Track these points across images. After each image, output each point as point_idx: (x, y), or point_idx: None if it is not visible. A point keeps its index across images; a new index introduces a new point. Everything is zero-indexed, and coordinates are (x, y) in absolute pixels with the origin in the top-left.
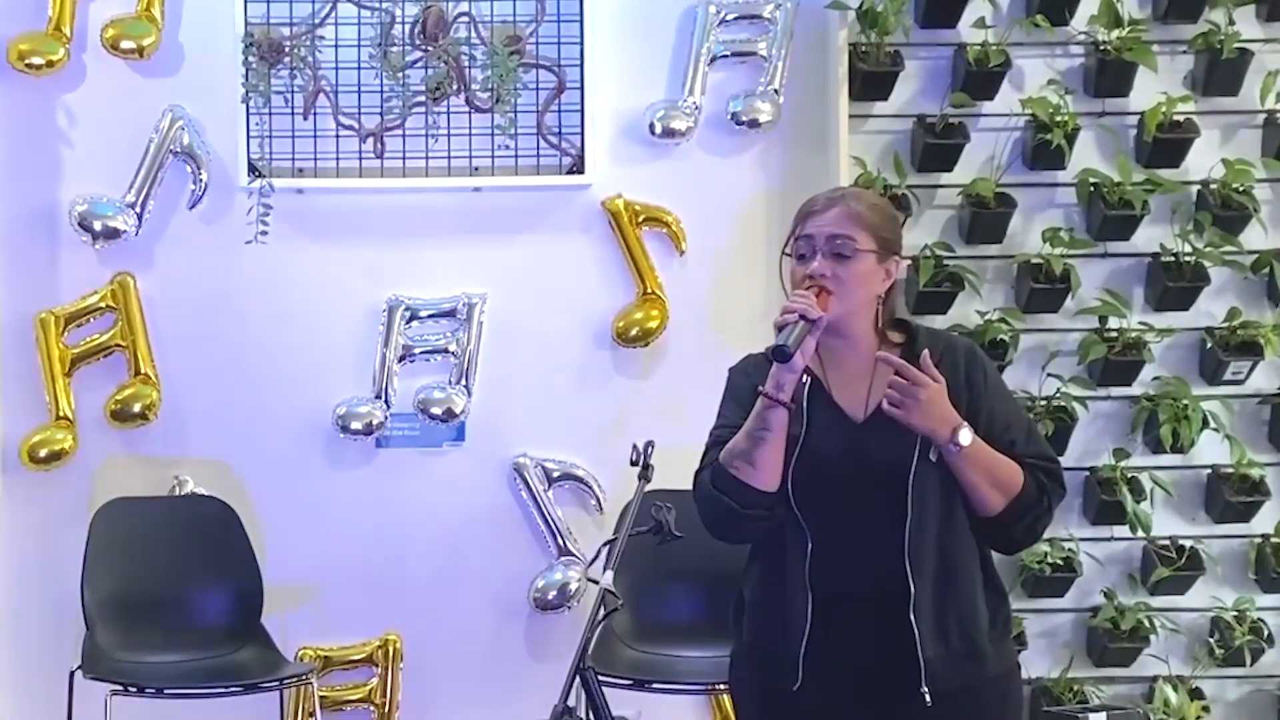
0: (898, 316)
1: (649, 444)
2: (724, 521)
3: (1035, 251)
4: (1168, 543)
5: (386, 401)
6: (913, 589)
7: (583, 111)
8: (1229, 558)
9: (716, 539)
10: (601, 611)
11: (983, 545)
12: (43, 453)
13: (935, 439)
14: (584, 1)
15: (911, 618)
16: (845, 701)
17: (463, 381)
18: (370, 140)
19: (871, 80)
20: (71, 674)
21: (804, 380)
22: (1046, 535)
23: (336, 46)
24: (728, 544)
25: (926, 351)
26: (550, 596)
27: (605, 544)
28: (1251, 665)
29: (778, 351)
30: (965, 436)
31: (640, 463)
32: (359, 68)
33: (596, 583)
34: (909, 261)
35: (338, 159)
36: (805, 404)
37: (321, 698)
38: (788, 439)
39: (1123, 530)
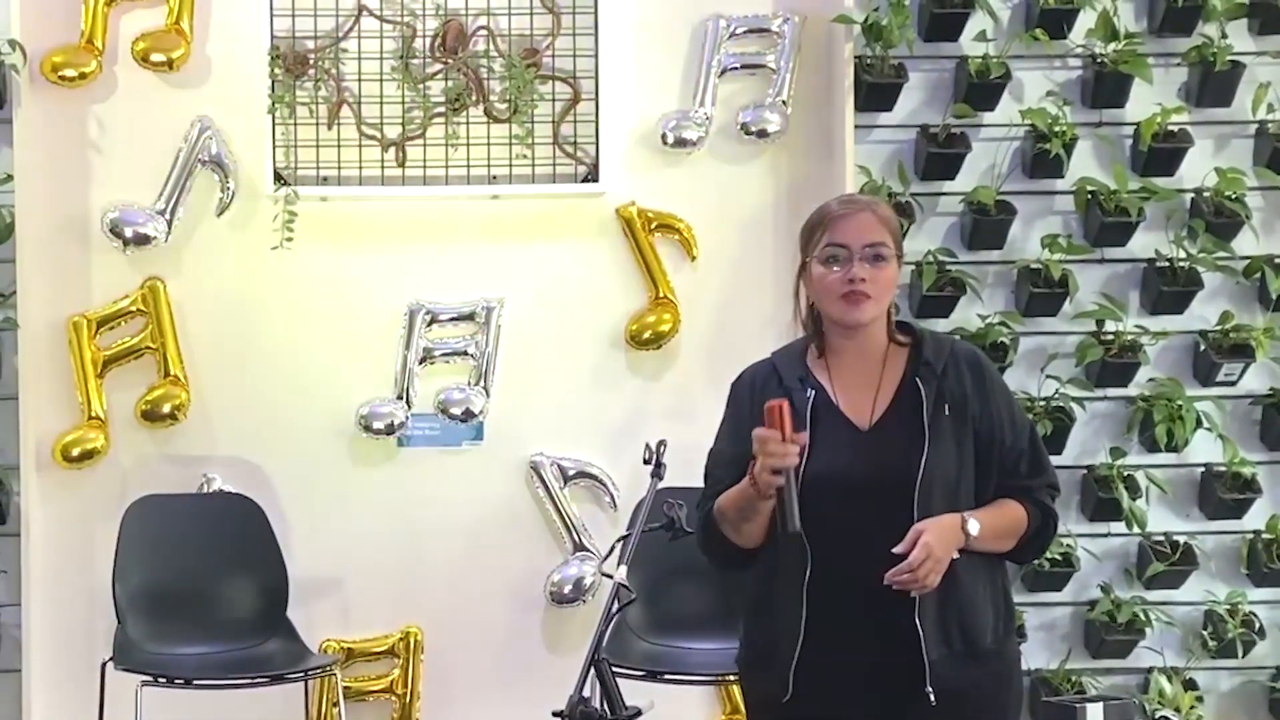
0: (899, 319)
1: (661, 443)
2: (717, 565)
3: (1034, 257)
4: (1162, 538)
5: (408, 402)
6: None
7: (597, 122)
8: (1222, 553)
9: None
10: (615, 605)
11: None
12: (75, 452)
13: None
14: (599, 15)
15: (916, 620)
16: (846, 707)
17: (481, 383)
18: (392, 150)
19: (876, 92)
20: (103, 665)
21: (809, 394)
22: None
23: (359, 59)
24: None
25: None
26: (566, 590)
27: (619, 540)
28: (1243, 657)
29: (794, 536)
30: (974, 526)
31: (653, 461)
32: (381, 79)
33: (610, 577)
34: (913, 267)
35: (360, 168)
36: (810, 418)
37: (345, 688)
38: None
39: (1119, 527)
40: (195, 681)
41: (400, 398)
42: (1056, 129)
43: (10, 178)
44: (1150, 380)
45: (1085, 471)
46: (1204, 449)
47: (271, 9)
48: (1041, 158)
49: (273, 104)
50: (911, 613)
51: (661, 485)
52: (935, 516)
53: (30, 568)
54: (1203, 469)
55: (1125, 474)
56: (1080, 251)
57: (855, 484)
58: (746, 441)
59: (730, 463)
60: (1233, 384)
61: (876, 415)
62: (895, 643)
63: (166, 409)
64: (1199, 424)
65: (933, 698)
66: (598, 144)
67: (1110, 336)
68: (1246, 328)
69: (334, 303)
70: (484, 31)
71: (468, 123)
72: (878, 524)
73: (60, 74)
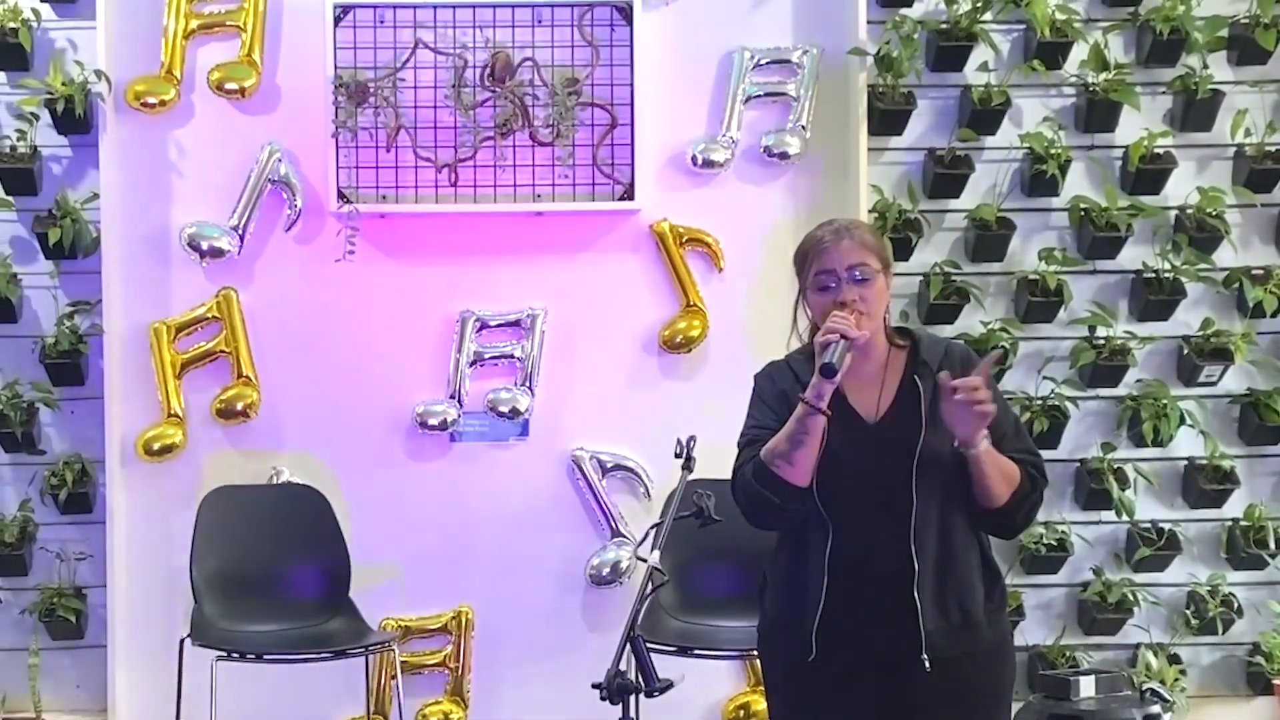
0: (898, 325)
1: (691, 438)
2: (764, 513)
3: (1032, 268)
4: (1149, 526)
5: (459, 401)
6: (916, 568)
7: (633, 145)
8: (1203, 539)
9: (754, 527)
10: (649, 586)
11: (979, 531)
12: (156, 446)
13: (973, 439)
14: (634, 48)
15: (915, 593)
16: (856, 669)
17: (527, 384)
18: (445, 170)
19: (888, 117)
20: (181, 642)
21: None
22: (1042, 519)
23: (415, 88)
24: (762, 530)
25: (944, 375)
26: (604, 573)
27: (652, 527)
28: (1223, 634)
29: (826, 369)
30: (984, 443)
31: (684, 455)
32: (435, 106)
33: (645, 561)
34: (921, 278)
35: (416, 187)
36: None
37: (402, 662)
38: None
39: (1109, 515)
40: (265, 656)
41: (453, 397)
42: (1052, 151)
43: (96, 196)
44: (1138, 381)
45: (1078, 464)
46: (1187, 444)
47: (335, 42)
48: (1039, 178)
49: (336, 129)
50: (911, 586)
51: (691, 477)
52: (932, 501)
53: (115, 553)
54: (1186, 462)
55: (1115, 467)
56: (1074, 263)
57: (864, 469)
58: (774, 415)
59: (765, 429)
60: (1213, 384)
61: (882, 410)
62: (897, 613)
63: (239, 407)
64: (1182, 421)
65: (928, 664)
66: (633, 165)
67: (1101, 341)
68: (1226, 333)
69: (392, 310)
70: (529, 63)
71: (514, 146)
72: (882, 503)
73: (142, 101)
